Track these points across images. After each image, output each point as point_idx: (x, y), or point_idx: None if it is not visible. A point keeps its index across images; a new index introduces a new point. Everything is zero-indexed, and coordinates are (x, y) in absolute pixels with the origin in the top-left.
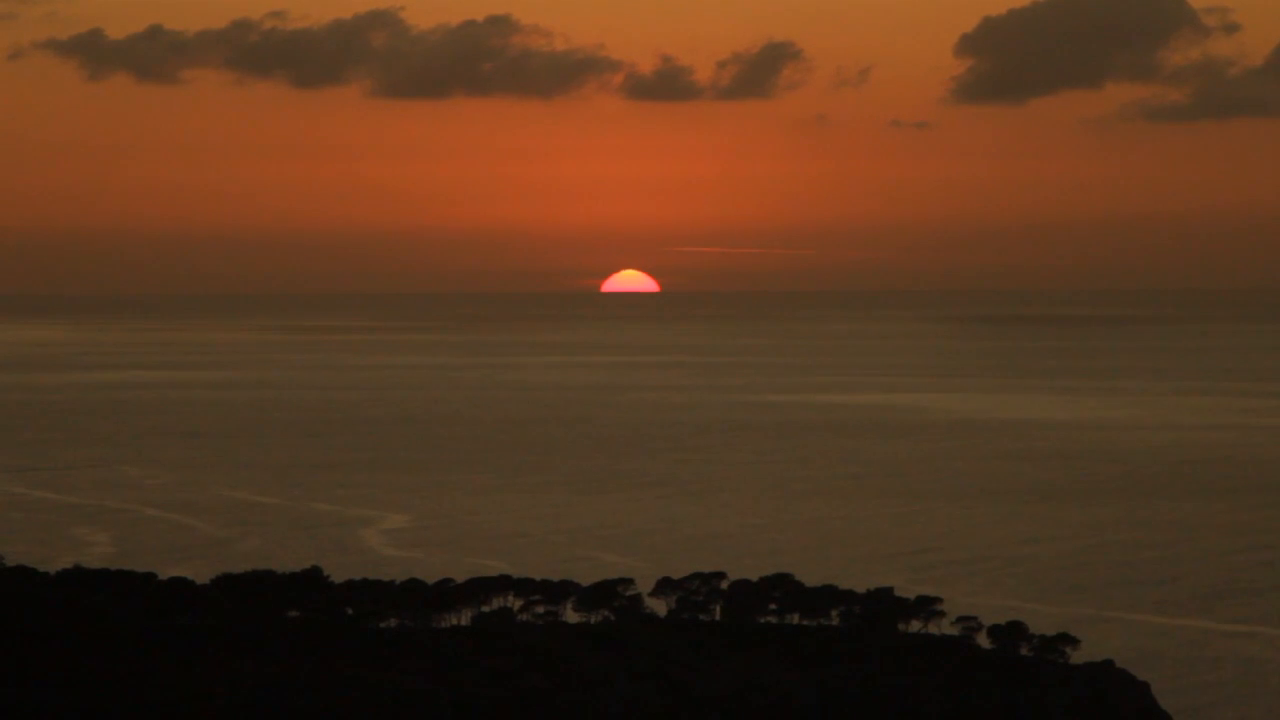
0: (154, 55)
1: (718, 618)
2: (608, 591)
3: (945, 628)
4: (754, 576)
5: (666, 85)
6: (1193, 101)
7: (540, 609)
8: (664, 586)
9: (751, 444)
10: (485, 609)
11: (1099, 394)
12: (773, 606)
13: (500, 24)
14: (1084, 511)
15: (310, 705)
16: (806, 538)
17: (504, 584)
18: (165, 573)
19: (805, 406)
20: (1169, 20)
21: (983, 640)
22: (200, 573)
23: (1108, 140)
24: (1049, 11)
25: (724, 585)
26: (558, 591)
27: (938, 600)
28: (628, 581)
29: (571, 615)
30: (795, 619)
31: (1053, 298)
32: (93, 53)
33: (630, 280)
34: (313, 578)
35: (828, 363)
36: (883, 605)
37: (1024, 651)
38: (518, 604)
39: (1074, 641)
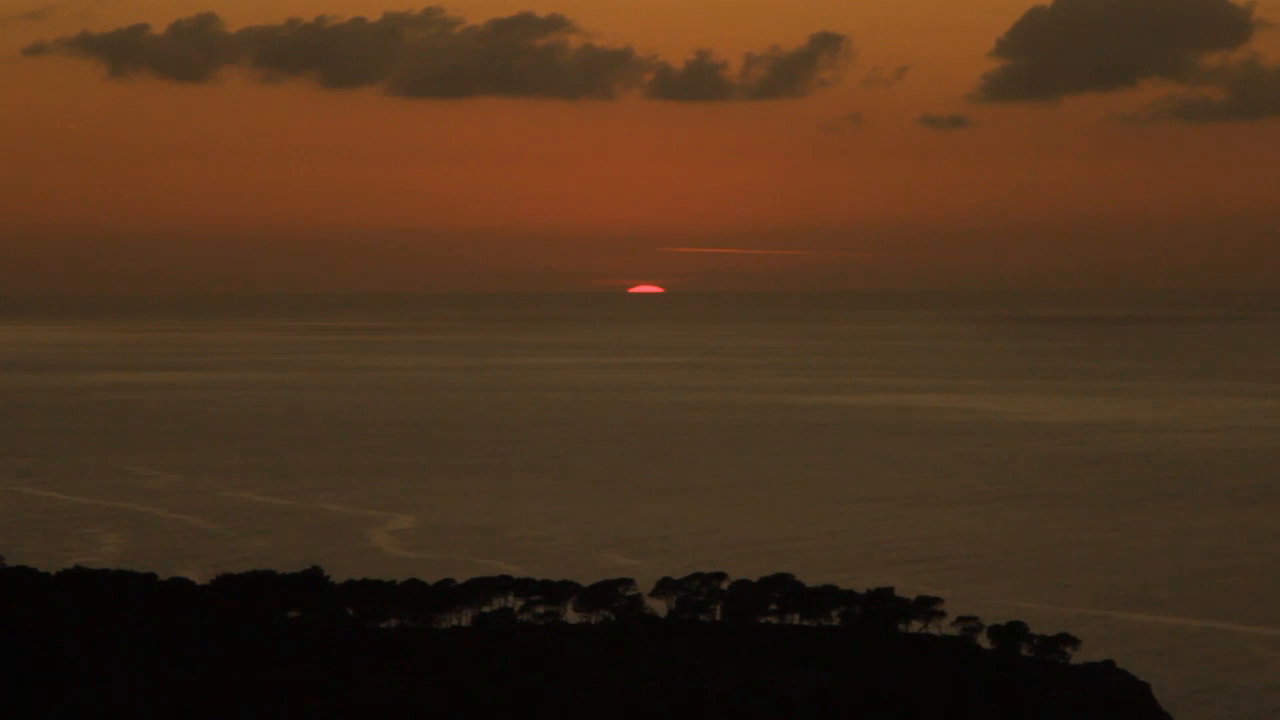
0: (181, 53)
1: (718, 618)
2: (608, 592)
3: (945, 628)
4: (754, 577)
5: (698, 84)
6: (1225, 101)
7: (541, 609)
8: (664, 587)
9: (753, 444)
10: (486, 609)
11: (1107, 395)
12: (773, 607)
13: (557, 22)
14: (1085, 512)
15: (311, 705)
16: (807, 538)
17: (505, 584)
18: (171, 574)
19: (807, 407)
20: (1219, 19)
21: (983, 640)
22: (205, 574)
23: (1139, 138)
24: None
25: (724, 585)
26: (558, 592)
27: (938, 600)
28: (628, 582)
29: (572, 615)
30: (795, 619)
31: (1078, 298)
32: (117, 51)
33: (652, 285)
34: (313, 578)
35: (837, 364)
36: (883, 605)
37: (1024, 651)
38: (518, 604)
39: (1074, 641)
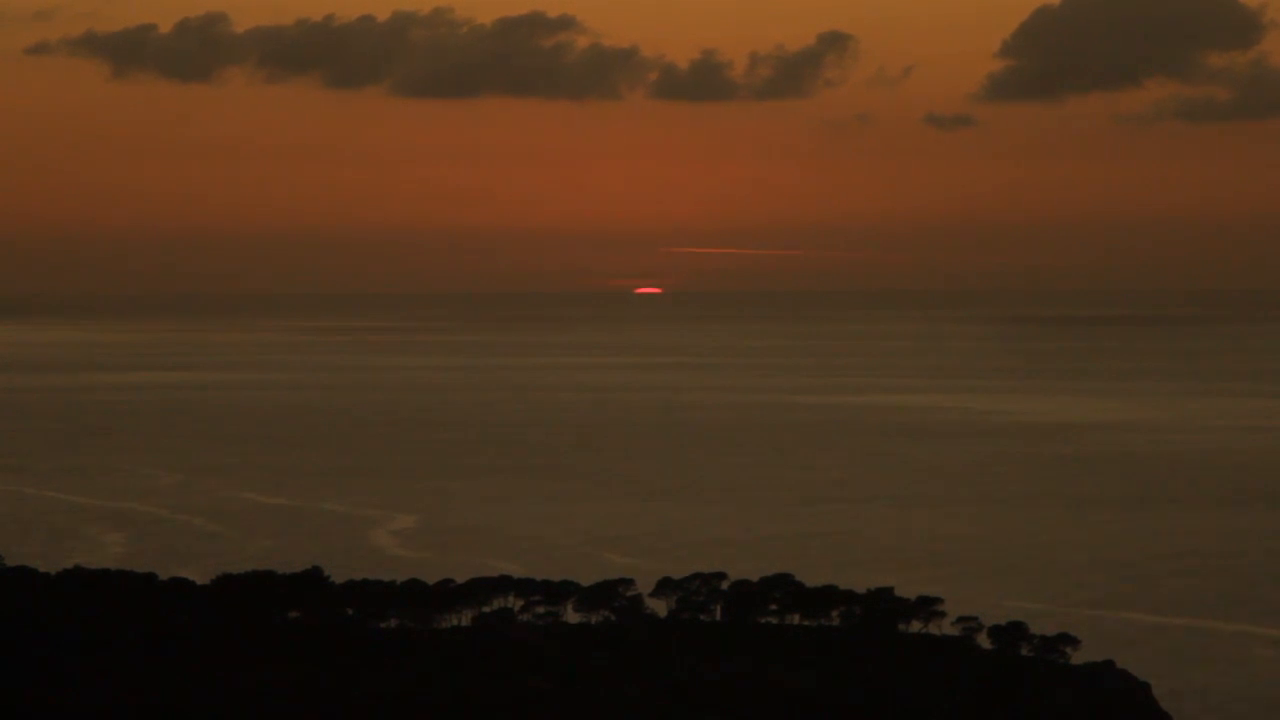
0: (185, 52)
1: (718, 618)
2: (608, 591)
3: (945, 628)
4: (754, 577)
5: (703, 84)
6: (1230, 101)
7: (541, 609)
8: (664, 587)
9: (753, 444)
10: (486, 609)
11: (1107, 395)
12: (773, 606)
13: (566, 22)
14: (1084, 512)
15: (310, 706)
16: (807, 538)
17: (505, 584)
18: (171, 574)
19: (807, 407)
20: (1231, 20)
21: (983, 640)
22: (205, 574)
23: (1144, 138)
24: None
25: (724, 585)
26: (558, 592)
27: (938, 600)
28: (628, 582)
29: (572, 615)
30: (795, 619)
31: (1078, 298)
32: (121, 51)
33: (651, 286)
34: (313, 578)
35: (838, 364)
36: (883, 605)
37: (1024, 651)
38: (518, 604)
39: (1074, 641)
